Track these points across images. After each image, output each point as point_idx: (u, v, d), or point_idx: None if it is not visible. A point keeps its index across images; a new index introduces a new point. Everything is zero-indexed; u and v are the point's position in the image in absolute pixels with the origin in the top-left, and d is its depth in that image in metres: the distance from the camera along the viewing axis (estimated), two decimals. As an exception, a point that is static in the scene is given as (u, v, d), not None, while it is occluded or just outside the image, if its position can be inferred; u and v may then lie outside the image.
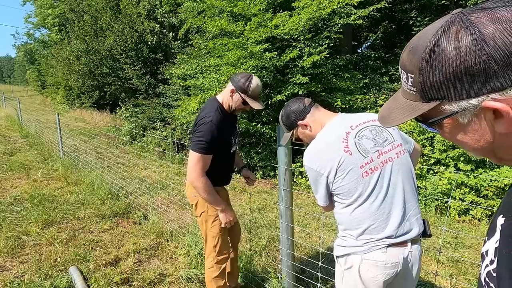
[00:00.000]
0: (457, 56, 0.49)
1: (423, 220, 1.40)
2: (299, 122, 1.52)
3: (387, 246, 1.29)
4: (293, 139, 1.63)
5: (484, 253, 0.57)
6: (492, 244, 0.55)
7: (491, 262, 0.54)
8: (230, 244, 2.26)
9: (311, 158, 1.39)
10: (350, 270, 1.37)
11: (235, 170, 2.56)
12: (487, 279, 0.54)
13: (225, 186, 2.23)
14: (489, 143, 0.54)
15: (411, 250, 1.32)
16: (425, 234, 1.38)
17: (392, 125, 0.62)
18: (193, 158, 1.89)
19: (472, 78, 0.48)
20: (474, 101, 0.50)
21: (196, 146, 1.88)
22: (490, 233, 0.57)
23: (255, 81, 1.92)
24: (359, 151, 1.32)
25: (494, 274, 0.52)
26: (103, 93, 14.60)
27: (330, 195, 1.43)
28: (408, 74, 0.56)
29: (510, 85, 0.46)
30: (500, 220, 0.55)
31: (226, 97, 1.98)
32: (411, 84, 0.56)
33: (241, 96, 1.92)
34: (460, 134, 0.56)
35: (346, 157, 1.31)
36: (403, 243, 1.31)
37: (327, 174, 1.34)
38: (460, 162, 4.57)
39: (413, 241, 1.34)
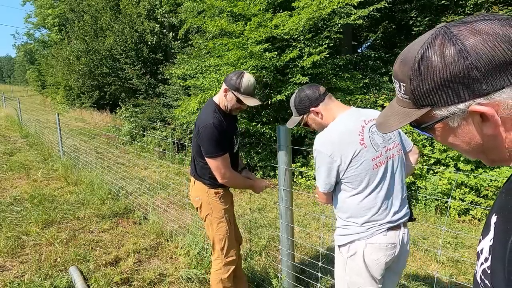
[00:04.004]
0: (443, 65, 0.53)
1: (409, 206, 1.57)
2: (312, 108, 1.54)
3: (387, 230, 1.42)
4: (301, 124, 1.64)
5: (479, 252, 0.59)
6: (486, 243, 0.57)
7: (486, 259, 0.56)
8: None
9: (324, 143, 1.43)
10: (354, 256, 1.45)
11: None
12: (482, 277, 0.56)
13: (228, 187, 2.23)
14: (479, 145, 0.57)
15: (404, 232, 1.48)
16: (411, 219, 1.55)
17: (389, 131, 0.66)
18: (218, 164, 1.90)
19: (458, 84, 0.53)
20: (461, 106, 0.54)
21: (213, 152, 1.88)
22: (485, 232, 0.60)
23: (247, 78, 1.88)
24: (372, 145, 1.42)
25: (489, 271, 0.54)
26: (103, 93, 14.59)
27: (335, 184, 1.49)
28: (401, 83, 0.61)
29: (493, 90, 0.51)
30: (493, 219, 0.57)
31: (221, 97, 1.97)
32: (403, 92, 0.61)
33: (234, 94, 1.90)
34: (452, 137, 0.60)
35: (361, 149, 1.39)
36: (398, 226, 1.46)
37: (340, 162, 1.40)
38: (460, 162, 4.57)
39: (404, 224, 1.49)
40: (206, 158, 1.93)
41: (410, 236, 1.58)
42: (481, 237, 0.61)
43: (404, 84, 0.60)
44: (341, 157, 1.40)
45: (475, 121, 0.55)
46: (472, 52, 0.51)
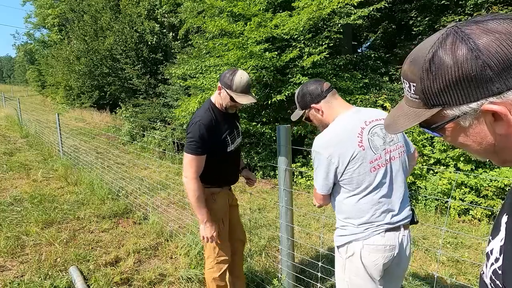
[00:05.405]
0: (454, 64, 0.52)
1: (411, 208, 1.53)
2: (313, 105, 1.54)
3: (385, 231, 1.40)
4: (303, 118, 1.64)
5: (489, 252, 0.59)
6: (497, 243, 0.57)
7: (496, 260, 0.56)
8: (231, 249, 2.22)
9: (324, 145, 1.43)
10: (352, 257, 1.44)
11: None
12: (493, 277, 0.56)
13: (229, 188, 2.21)
14: (491, 145, 0.56)
15: (404, 235, 1.45)
16: (412, 221, 1.50)
17: (398, 132, 0.65)
18: (186, 160, 1.89)
19: (470, 83, 0.52)
20: (474, 105, 0.53)
21: (187, 147, 1.87)
22: (494, 232, 0.59)
23: (239, 75, 1.84)
24: (370, 147, 1.40)
25: (500, 272, 0.54)
26: (103, 93, 14.60)
27: (333, 185, 1.48)
28: (410, 83, 0.60)
29: (506, 89, 0.50)
30: (504, 219, 0.57)
31: (216, 95, 1.96)
32: (413, 92, 0.60)
33: (227, 92, 1.88)
34: (462, 137, 0.59)
35: (359, 151, 1.38)
36: (397, 228, 1.43)
37: (338, 164, 1.39)
38: (460, 162, 4.57)
39: (405, 226, 1.46)
40: (184, 152, 1.92)
41: (411, 239, 1.54)
42: (490, 237, 0.60)
43: (415, 84, 0.59)
44: (338, 159, 1.39)
45: (487, 121, 0.54)
46: (484, 50, 0.50)
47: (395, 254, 1.41)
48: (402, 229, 1.44)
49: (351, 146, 1.38)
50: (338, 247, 1.51)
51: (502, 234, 0.56)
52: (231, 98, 1.88)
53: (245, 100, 1.86)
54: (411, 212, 1.50)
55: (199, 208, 1.93)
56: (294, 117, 1.67)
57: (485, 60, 0.50)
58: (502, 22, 0.51)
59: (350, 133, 1.40)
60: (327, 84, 1.54)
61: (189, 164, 1.88)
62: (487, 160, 0.62)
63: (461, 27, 0.54)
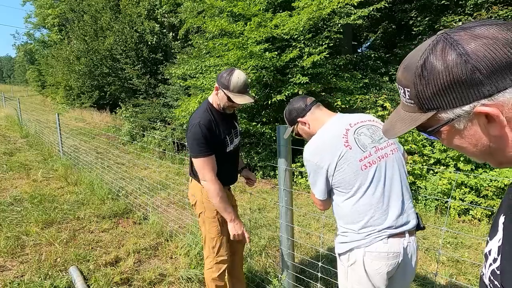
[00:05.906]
0: (445, 69, 0.55)
1: (416, 213, 1.47)
2: (299, 119, 1.61)
3: (388, 237, 1.35)
4: (293, 134, 1.71)
5: (487, 253, 0.60)
6: (495, 243, 0.58)
7: (494, 260, 0.56)
8: (231, 249, 2.22)
9: (312, 152, 1.45)
10: (354, 265, 1.41)
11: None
12: (491, 278, 0.56)
13: (229, 188, 2.21)
14: (486, 147, 0.58)
15: (409, 241, 1.39)
16: (419, 227, 1.45)
17: (396, 136, 0.67)
18: (199, 164, 1.88)
19: (462, 87, 0.54)
20: (466, 107, 0.55)
21: (194, 151, 1.86)
22: (492, 233, 0.60)
23: (236, 75, 1.82)
24: (358, 146, 1.40)
25: (498, 272, 0.54)
26: (103, 93, 14.59)
27: (329, 191, 1.48)
28: (405, 89, 0.63)
29: (496, 91, 0.52)
30: (501, 219, 0.58)
31: (214, 96, 1.95)
32: (408, 97, 0.63)
33: (224, 92, 1.87)
34: (458, 139, 0.61)
35: (346, 151, 1.38)
36: (401, 234, 1.38)
37: (327, 167, 1.40)
38: (460, 162, 4.57)
39: (410, 232, 1.41)
40: (192, 157, 1.92)
41: (417, 246, 1.48)
42: (488, 238, 0.61)
43: (409, 90, 0.61)
44: (327, 163, 1.39)
45: (480, 123, 0.56)
46: (473, 55, 0.52)
47: (399, 262, 1.36)
48: (407, 235, 1.38)
49: (338, 148, 1.39)
50: (339, 254, 1.49)
51: (499, 234, 0.57)
52: (229, 98, 1.87)
53: (242, 100, 1.86)
54: (416, 216, 1.45)
55: (225, 208, 1.93)
56: (286, 134, 1.75)
57: (474, 64, 0.52)
58: (489, 28, 0.53)
59: (336, 136, 1.42)
60: (311, 98, 1.63)
61: (203, 166, 1.87)
62: (485, 162, 0.63)
63: (450, 33, 0.56)
